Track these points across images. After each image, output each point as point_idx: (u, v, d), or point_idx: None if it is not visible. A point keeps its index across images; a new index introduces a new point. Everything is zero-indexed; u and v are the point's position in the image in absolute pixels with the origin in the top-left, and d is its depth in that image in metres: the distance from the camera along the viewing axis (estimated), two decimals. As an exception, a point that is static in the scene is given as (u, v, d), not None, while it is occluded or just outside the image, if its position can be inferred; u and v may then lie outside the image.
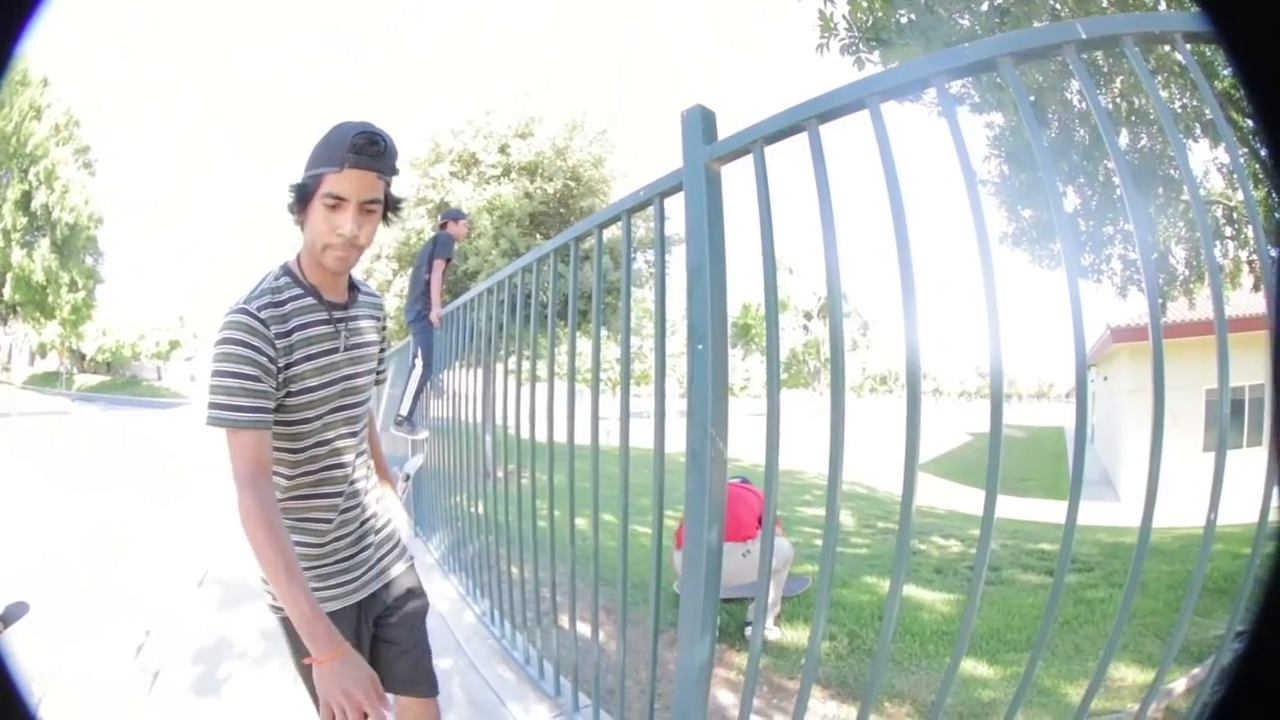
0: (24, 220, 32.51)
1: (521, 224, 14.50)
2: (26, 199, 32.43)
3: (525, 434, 2.91)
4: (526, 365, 2.90)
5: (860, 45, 4.57)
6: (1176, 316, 8.88)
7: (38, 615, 1.73)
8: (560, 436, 2.59)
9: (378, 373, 1.73)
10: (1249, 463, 1.69)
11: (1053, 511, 8.65)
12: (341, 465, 1.56)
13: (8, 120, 31.01)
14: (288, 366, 1.43)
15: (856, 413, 28.46)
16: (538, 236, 14.59)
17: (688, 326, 1.49)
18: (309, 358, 1.47)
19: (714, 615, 1.49)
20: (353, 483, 1.59)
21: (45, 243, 33.27)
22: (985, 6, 4.48)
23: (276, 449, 1.45)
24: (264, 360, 1.37)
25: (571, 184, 15.21)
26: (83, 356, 48.58)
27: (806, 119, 1.32)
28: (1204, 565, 1.28)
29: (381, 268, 16.32)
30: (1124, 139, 6.15)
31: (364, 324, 1.62)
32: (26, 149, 32.06)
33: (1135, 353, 13.48)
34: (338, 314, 1.53)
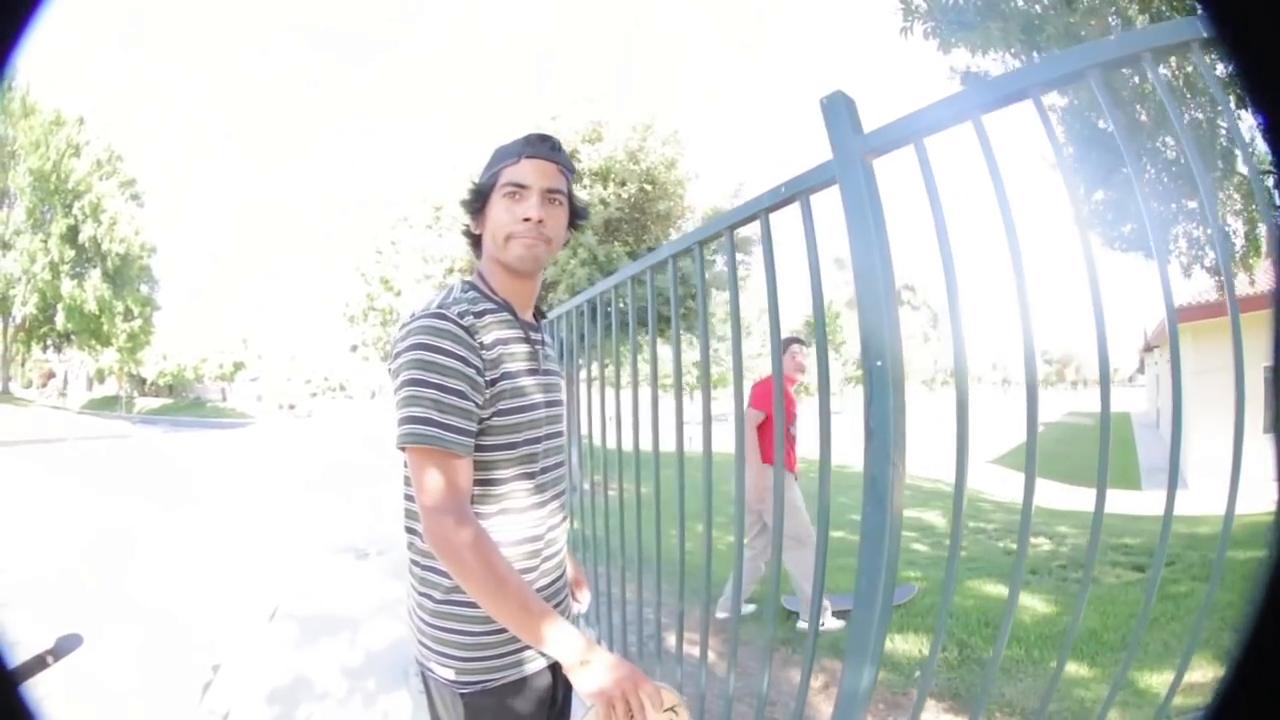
0: (71, 253, 33.88)
1: (597, 231, 14.33)
2: (73, 232, 33.84)
3: (610, 443, 2.82)
4: (616, 373, 2.80)
5: (943, 29, 4.47)
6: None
7: (92, 648, 1.57)
8: (646, 444, 2.50)
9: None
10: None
11: (1127, 501, 8.38)
12: (544, 504, 1.37)
13: (45, 159, 32.31)
14: (493, 382, 1.25)
15: (928, 406, 27.99)
16: (615, 244, 14.38)
17: (862, 342, 1.37)
18: (514, 374, 1.29)
19: (882, 645, 1.39)
20: (554, 527, 1.40)
21: (96, 273, 34.59)
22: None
23: (476, 482, 1.26)
24: (471, 372, 1.20)
25: (647, 188, 15.00)
26: (143, 381, 50.06)
27: (968, 109, 1.22)
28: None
29: (456, 280, 16.33)
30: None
31: (551, 352, 1.48)
32: (68, 185, 33.33)
33: (1197, 333, 12.95)
34: (533, 335, 1.38)
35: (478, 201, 1.37)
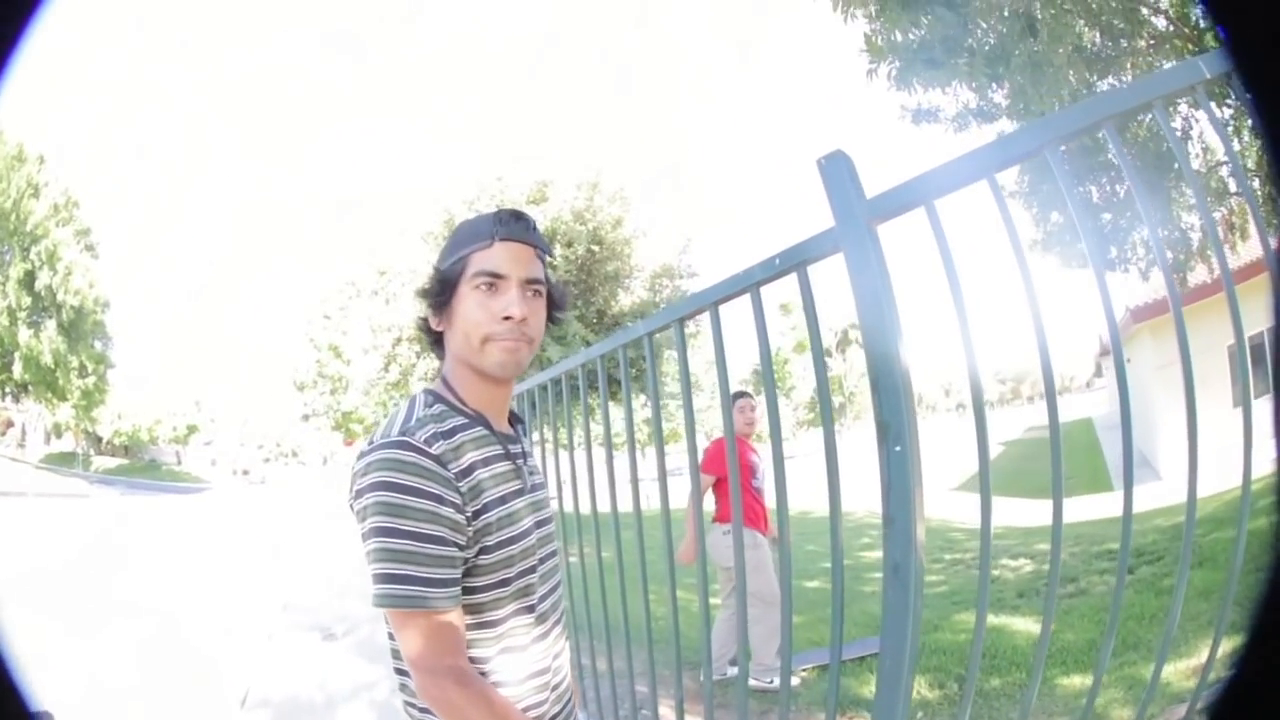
0: (29, 300, 32.75)
1: None
2: (30, 278, 32.75)
3: (569, 507, 2.75)
4: (570, 435, 2.73)
5: (908, 69, 4.52)
6: (1194, 282, 8.82)
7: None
8: (605, 506, 2.43)
9: None
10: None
11: (1104, 506, 8.42)
12: (547, 634, 1.19)
13: (5, 196, 31.26)
14: (476, 515, 1.06)
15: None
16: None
17: (878, 425, 1.27)
18: (498, 502, 1.10)
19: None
20: (559, 654, 1.24)
21: (52, 324, 33.57)
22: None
23: (468, 627, 1.10)
24: (448, 511, 1.02)
25: (594, 248, 14.86)
26: (99, 439, 48.77)
27: (981, 169, 1.19)
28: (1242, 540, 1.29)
29: (404, 351, 15.98)
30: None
31: (535, 462, 1.31)
32: (26, 227, 32.39)
33: (1156, 329, 13.26)
34: (512, 448, 1.19)
35: (442, 293, 1.15)
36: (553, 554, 1.26)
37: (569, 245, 14.55)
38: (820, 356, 1.49)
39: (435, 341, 1.22)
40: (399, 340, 15.62)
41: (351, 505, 1.07)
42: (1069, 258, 8.08)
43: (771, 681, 3.94)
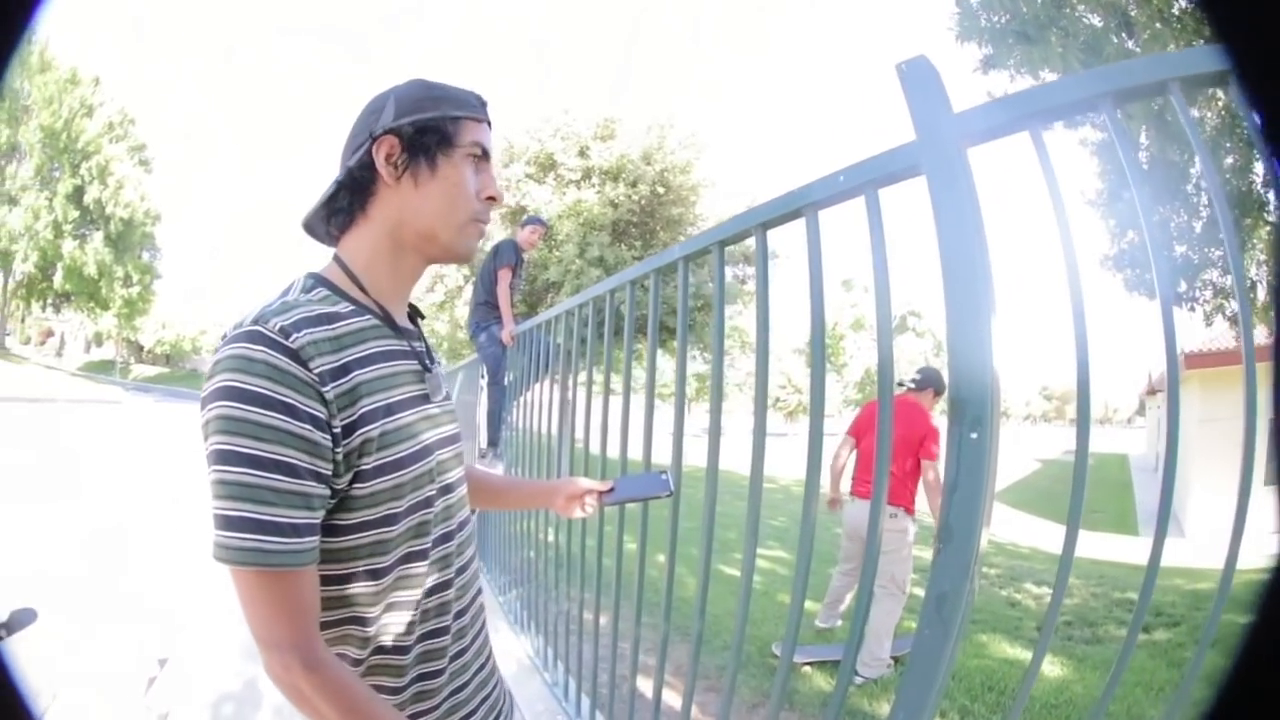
0: (75, 214, 33.65)
1: (605, 232, 13.94)
2: (79, 193, 33.69)
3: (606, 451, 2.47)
4: (607, 379, 2.51)
5: (997, 40, 4.21)
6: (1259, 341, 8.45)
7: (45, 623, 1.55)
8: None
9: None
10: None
11: (1127, 549, 8.08)
12: (447, 585, 0.94)
13: (56, 117, 32.12)
14: (349, 430, 0.80)
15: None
16: (622, 247, 13.94)
17: (951, 403, 0.98)
18: (386, 413, 0.85)
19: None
20: (463, 612, 0.98)
21: (99, 236, 34.37)
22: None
23: (341, 578, 0.85)
24: (304, 427, 0.75)
25: (660, 190, 14.54)
26: (140, 348, 49.99)
27: (1101, 93, 0.90)
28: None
29: (451, 271, 15.81)
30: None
31: (439, 368, 1.05)
32: (78, 145, 33.14)
33: (1206, 380, 12.74)
34: (415, 345, 0.96)
35: (425, 146, 0.90)
36: (460, 483, 1.00)
37: (633, 185, 14.23)
38: (886, 297, 1.16)
39: (355, 203, 0.92)
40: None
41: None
42: (1136, 284, 7.68)
43: (873, 675, 3.71)
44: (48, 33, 31.73)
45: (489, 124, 0.97)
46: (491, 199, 0.95)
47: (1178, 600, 5.61)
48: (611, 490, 1.29)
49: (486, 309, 4.62)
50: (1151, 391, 22.28)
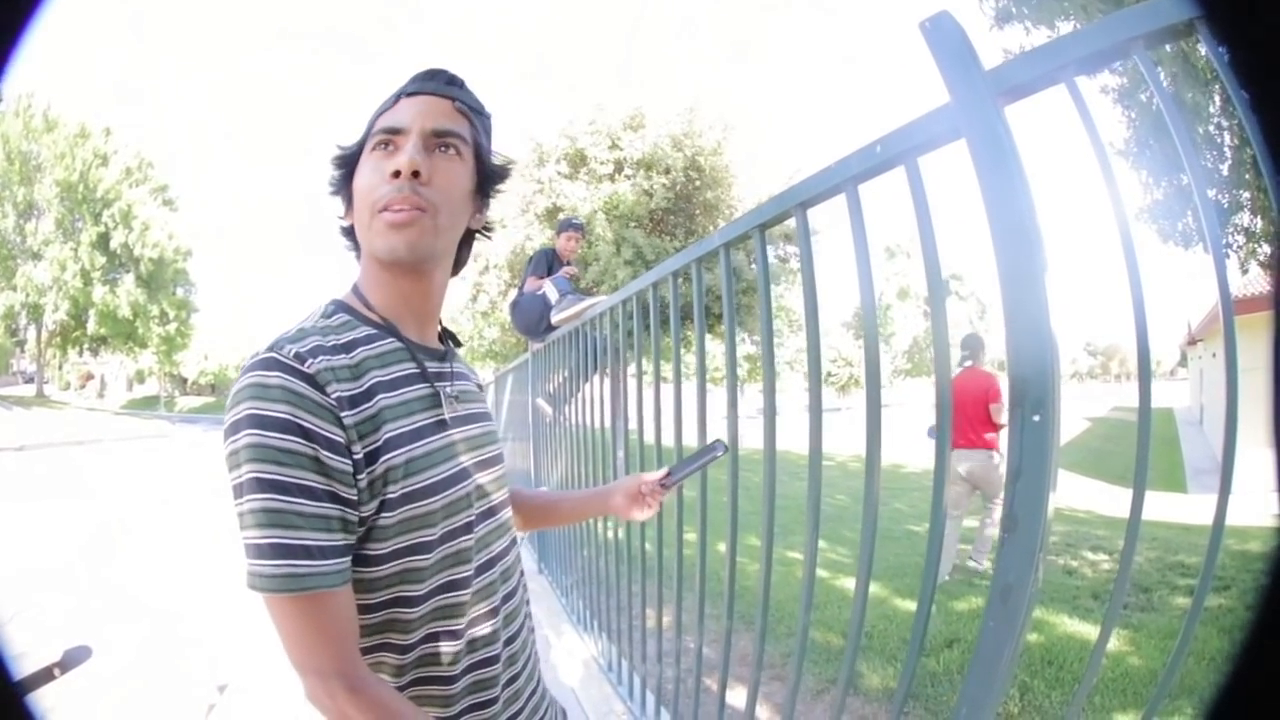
0: (103, 259, 34.40)
1: (643, 224, 13.79)
2: (104, 240, 34.42)
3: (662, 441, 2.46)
4: (656, 369, 2.51)
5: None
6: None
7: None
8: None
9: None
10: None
11: (1174, 507, 7.85)
12: (495, 613, 0.93)
13: (71, 171, 32.83)
14: (373, 457, 0.78)
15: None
16: (663, 238, 13.74)
17: (1012, 384, 0.93)
18: (413, 437, 0.83)
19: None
20: (513, 638, 0.97)
21: (130, 278, 35.10)
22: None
23: (374, 607, 0.83)
24: (323, 452, 0.74)
25: (693, 174, 14.37)
26: (184, 380, 51.04)
27: (1130, 38, 0.85)
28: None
29: (491, 280, 15.75)
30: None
31: (469, 387, 1.00)
32: (96, 194, 33.91)
33: (1246, 326, 12.36)
34: (431, 364, 0.92)
35: (343, 171, 0.90)
36: (502, 506, 0.98)
37: (666, 173, 14.03)
38: (936, 270, 1.11)
39: (346, 230, 0.93)
40: (486, 269, 15.40)
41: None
42: (1169, 234, 7.53)
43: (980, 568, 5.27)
44: (49, 95, 32.65)
45: (429, 92, 0.89)
46: (397, 174, 0.83)
47: (1227, 562, 5.42)
48: (669, 474, 1.28)
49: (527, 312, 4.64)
50: (1192, 341, 21.72)
